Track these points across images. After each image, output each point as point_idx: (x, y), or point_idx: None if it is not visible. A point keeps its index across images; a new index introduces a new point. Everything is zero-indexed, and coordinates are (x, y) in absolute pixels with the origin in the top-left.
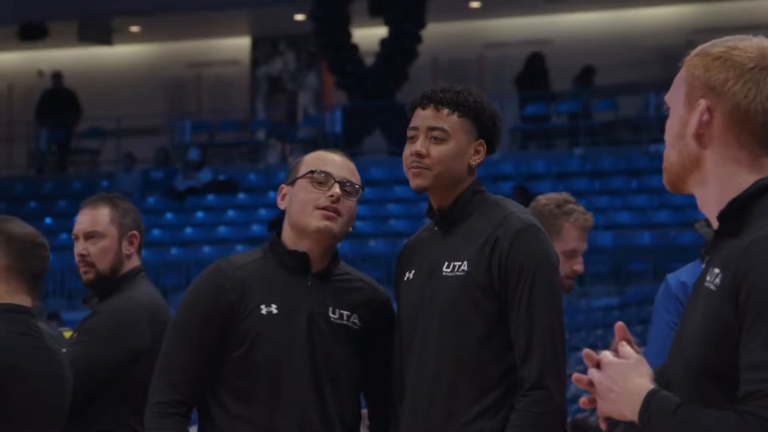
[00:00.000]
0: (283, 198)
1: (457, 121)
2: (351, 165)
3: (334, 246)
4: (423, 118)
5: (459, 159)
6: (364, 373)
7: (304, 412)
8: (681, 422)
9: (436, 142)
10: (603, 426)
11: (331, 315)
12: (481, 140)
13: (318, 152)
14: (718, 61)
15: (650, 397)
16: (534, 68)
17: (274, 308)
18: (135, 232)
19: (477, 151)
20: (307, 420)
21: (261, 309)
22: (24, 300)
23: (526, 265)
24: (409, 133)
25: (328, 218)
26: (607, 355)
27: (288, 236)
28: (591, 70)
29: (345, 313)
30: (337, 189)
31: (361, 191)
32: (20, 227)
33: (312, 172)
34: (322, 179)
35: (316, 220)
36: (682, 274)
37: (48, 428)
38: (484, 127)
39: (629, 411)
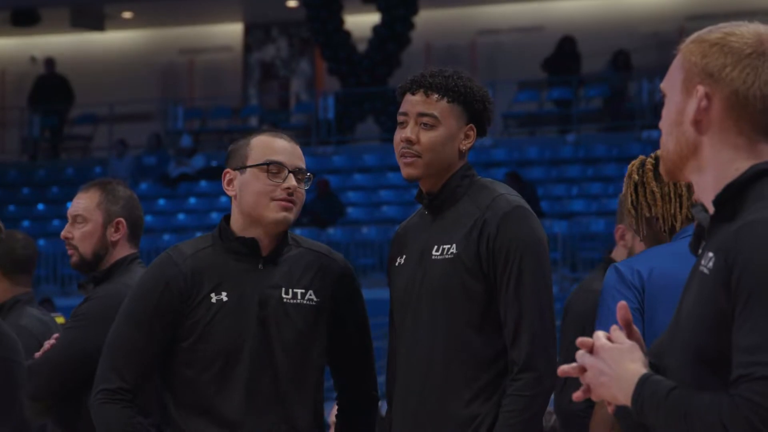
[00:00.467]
0: (229, 183)
1: (447, 107)
2: (299, 150)
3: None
4: (413, 103)
5: (449, 145)
6: (331, 348)
7: (260, 402)
8: (673, 406)
9: (426, 129)
10: (610, 410)
11: (284, 296)
12: (471, 125)
13: (264, 137)
14: (716, 47)
15: (643, 381)
16: (564, 51)
17: (224, 296)
18: (121, 219)
19: (467, 136)
20: (264, 409)
21: (211, 297)
22: None
23: (514, 247)
24: (399, 118)
25: (285, 209)
26: (600, 337)
27: (238, 223)
28: (623, 54)
29: (299, 291)
30: (292, 181)
31: (311, 178)
32: None
33: (267, 164)
34: (275, 170)
35: (273, 212)
36: (637, 263)
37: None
38: (474, 111)
39: (622, 396)
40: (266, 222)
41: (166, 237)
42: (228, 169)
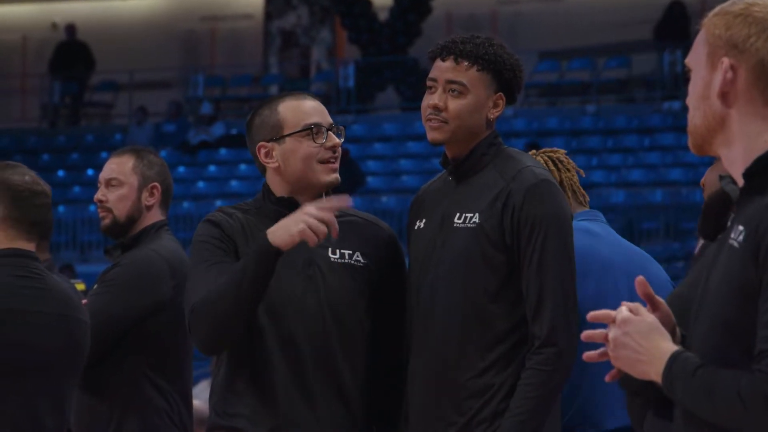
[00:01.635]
0: (267, 156)
1: (477, 75)
2: (322, 105)
3: None
4: (442, 70)
5: (477, 113)
6: (375, 313)
7: (305, 361)
8: (699, 384)
9: (454, 96)
10: (608, 378)
11: (331, 256)
12: (501, 93)
13: (290, 102)
14: (739, 19)
15: (674, 359)
16: (673, 15)
17: None
18: (156, 184)
19: (496, 104)
20: (310, 368)
21: None
22: (24, 246)
23: (539, 221)
24: (428, 83)
25: (334, 170)
26: (623, 310)
27: (279, 189)
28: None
29: (346, 252)
30: (334, 138)
31: (343, 129)
32: (19, 175)
33: (308, 128)
34: (316, 131)
35: (324, 175)
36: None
37: (57, 368)
38: (504, 79)
39: (653, 372)
40: (318, 185)
41: (186, 204)
42: (262, 143)
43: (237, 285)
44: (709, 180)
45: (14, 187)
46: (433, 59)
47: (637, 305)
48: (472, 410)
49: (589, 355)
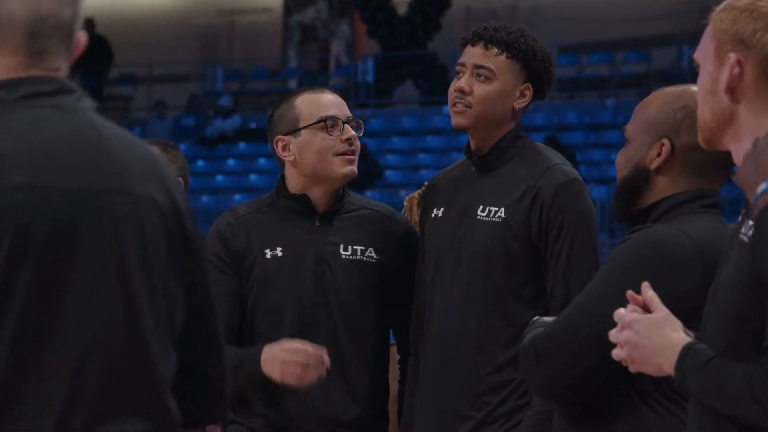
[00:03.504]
0: (284, 149)
1: (505, 62)
2: (341, 99)
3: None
4: (471, 55)
5: (502, 100)
6: (390, 306)
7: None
8: (710, 376)
9: (480, 81)
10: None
11: (342, 253)
12: (528, 84)
13: (307, 96)
14: (745, 14)
15: (686, 350)
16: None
17: (279, 251)
18: (180, 179)
19: (523, 95)
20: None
21: (266, 253)
22: None
23: (568, 220)
24: (457, 68)
25: (350, 162)
26: (623, 314)
27: (296, 184)
28: None
29: (358, 248)
30: (350, 131)
31: (362, 124)
32: None
33: (322, 120)
34: (331, 124)
35: (339, 167)
36: None
37: None
38: (533, 71)
39: (667, 364)
40: (334, 178)
41: (205, 198)
42: (279, 136)
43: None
44: (620, 162)
45: None
46: (464, 45)
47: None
48: (489, 406)
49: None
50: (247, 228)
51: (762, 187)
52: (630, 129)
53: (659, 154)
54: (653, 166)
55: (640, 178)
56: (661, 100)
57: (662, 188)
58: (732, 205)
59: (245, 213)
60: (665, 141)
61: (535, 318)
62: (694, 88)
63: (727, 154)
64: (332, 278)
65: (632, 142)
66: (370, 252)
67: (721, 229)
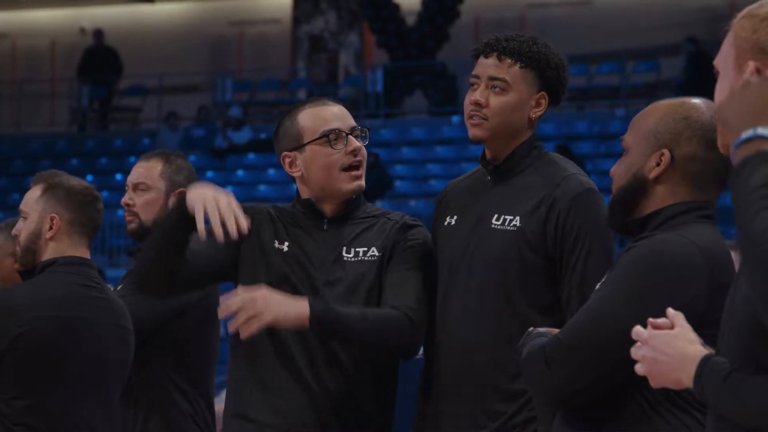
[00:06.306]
0: (291, 166)
1: (519, 72)
2: (345, 110)
3: None
4: (485, 66)
5: (518, 111)
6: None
7: (316, 362)
8: (730, 389)
9: (496, 93)
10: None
11: (345, 255)
12: (543, 92)
13: (309, 110)
14: (766, 22)
15: (704, 363)
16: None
17: (285, 246)
18: (184, 190)
19: (538, 104)
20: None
21: (275, 242)
22: (84, 253)
23: (584, 231)
24: (471, 80)
25: (356, 178)
26: (641, 331)
27: (305, 194)
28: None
29: (361, 250)
30: (354, 142)
31: (367, 132)
32: (76, 181)
33: (325, 135)
34: (334, 137)
35: (346, 184)
36: None
37: (112, 378)
38: (548, 79)
39: (686, 377)
40: (340, 194)
41: None
42: (285, 152)
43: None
44: (617, 172)
45: (78, 192)
46: (476, 57)
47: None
48: (504, 415)
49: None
50: (271, 213)
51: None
52: (628, 139)
53: (658, 164)
54: (652, 175)
55: (639, 187)
56: (661, 110)
57: (660, 198)
58: (725, 215)
59: (264, 209)
60: (665, 151)
61: (530, 329)
62: (695, 99)
63: (725, 167)
64: (332, 279)
65: (630, 151)
66: (373, 251)
67: (721, 238)
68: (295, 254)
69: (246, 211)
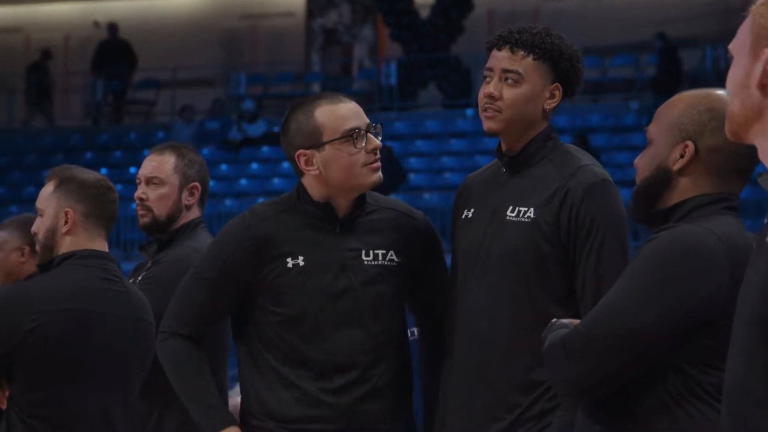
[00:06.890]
0: (308, 163)
1: (532, 64)
2: (357, 105)
3: None
4: (498, 59)
5: (532, 103)
6: (414, 304)
7: (347, 364)
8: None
9: (509, 85)
10: None
11: (364, 258)
12: (557, 84)
13: (326, 107)
14: None
15: None
16: None
17: (300, 260)
18: (197, 183)
19: (552, 95)
20: (349, 366)
21: (287, 262)
22: (101, 245)
23: (598, 221)
24: (485, 73)
25: (375, 170)
26: None
27: (317, 192)
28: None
29: (380, 252)
30: (375, 140)
31: (380, 127)
32: (88, 174)
33: (349, 135)
34: (356, 136)
35: (367, 178)
36: None
37: (131, 371)
38: (561, 70)
39: None
40: (361, 187)
41: (228, 202)
42: (301, 150)
43: (182, 395)
44: (641, 164)
45: (91, 184)
46: (489, 50)
47: None
48: (520, 407)
49: None
50: (266, 233)
51: None
52: (652, 130)
53: (683, 156)
54: (676, 167)
55: (662, 179)
56: (685, 102)
57: (684, 190)
58: (751, 208)
59: (268, 215)
60: (689, 143)
61: (554, 320)
62: (719, 91)
63: (749, 159)
64: (358, 285)
65: (654, 143)
66: (392, 255)
67: (743, 230)
68: (314, 266)
69: (231, 243)
